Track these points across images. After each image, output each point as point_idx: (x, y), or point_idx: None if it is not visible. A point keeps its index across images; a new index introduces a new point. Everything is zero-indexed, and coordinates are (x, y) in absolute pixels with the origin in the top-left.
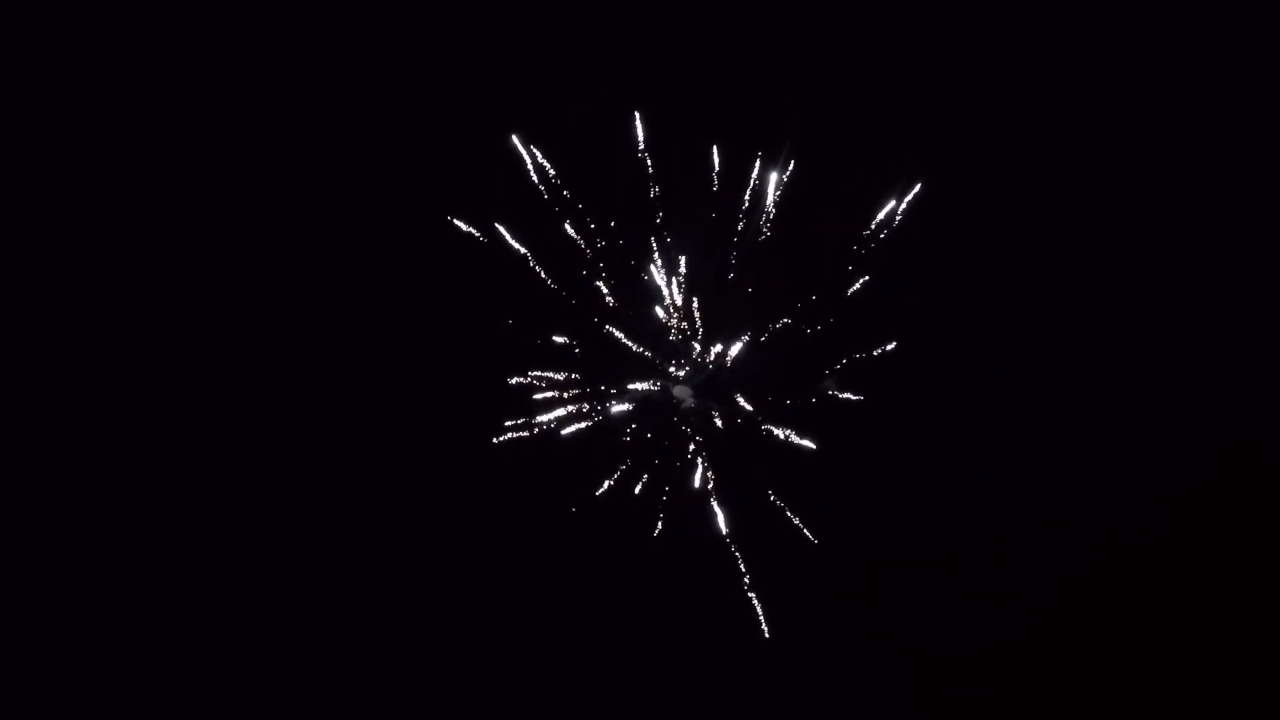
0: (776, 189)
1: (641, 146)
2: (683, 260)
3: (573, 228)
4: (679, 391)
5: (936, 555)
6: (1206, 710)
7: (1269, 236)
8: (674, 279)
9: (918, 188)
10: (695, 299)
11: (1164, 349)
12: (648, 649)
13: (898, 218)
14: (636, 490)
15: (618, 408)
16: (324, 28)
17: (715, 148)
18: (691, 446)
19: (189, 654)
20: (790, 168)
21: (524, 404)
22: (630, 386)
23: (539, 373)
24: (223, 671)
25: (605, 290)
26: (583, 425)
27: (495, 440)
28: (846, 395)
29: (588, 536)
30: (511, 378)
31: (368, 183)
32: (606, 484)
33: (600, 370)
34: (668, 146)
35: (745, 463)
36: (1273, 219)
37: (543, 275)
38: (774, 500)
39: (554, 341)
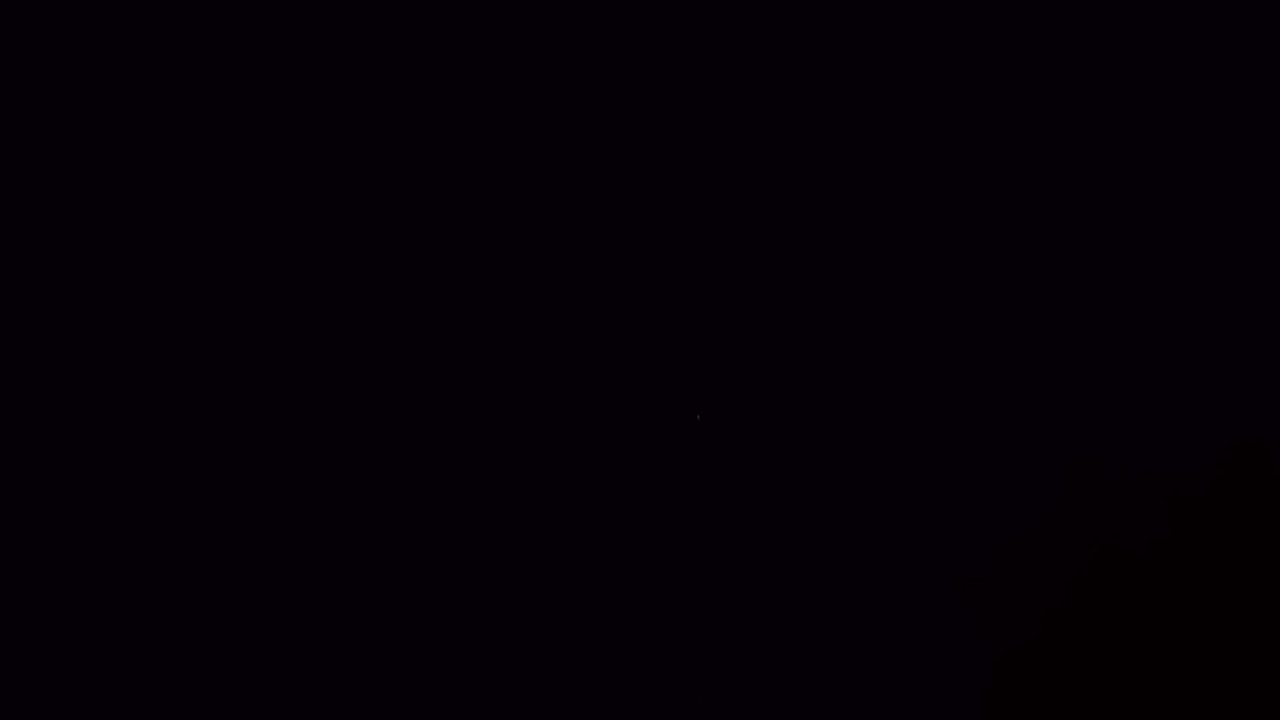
0: None
1: None
2: None
3: None
4: None
5: (936, 553)
6: (1206, 710)
7: (1269, 237)
8: None
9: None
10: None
11: (1164, 349)
12: (649, 650)
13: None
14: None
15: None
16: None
17: None
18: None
19: (189, 653)
20: None
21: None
22: None
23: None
24: (222, 670)
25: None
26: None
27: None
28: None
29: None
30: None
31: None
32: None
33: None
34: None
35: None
36: (1272, 219)
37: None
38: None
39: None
